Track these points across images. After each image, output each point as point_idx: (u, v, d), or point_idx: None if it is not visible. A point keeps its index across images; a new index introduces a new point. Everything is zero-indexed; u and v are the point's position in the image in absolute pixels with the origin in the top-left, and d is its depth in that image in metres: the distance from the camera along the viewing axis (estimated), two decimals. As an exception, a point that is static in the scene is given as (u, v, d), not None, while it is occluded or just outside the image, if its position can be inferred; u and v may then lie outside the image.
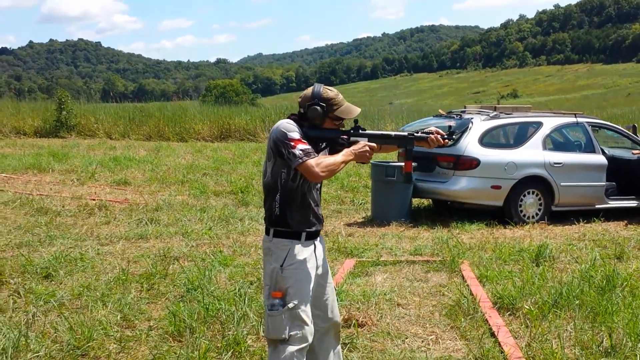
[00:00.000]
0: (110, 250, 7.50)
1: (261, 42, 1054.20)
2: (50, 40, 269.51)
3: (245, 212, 9.85)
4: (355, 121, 3.65)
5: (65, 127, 22.65)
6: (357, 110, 3.58)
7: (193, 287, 5.90)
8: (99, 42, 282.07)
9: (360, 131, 3.61)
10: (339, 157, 3.43)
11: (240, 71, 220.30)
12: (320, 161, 3.36)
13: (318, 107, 3.46)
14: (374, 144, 3.54)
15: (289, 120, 3.50)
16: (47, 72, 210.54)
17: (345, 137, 3.59)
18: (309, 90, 3.54)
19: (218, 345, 4.67)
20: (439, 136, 3.66)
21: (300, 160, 3.32)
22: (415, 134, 3.67)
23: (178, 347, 4.66)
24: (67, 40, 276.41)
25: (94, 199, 10.37)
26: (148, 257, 7.10)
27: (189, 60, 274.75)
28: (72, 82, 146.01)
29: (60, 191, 11.30)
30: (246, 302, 5.39)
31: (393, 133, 3.69)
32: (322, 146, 3.58)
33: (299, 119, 3.52)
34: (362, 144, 3.51)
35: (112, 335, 4.83)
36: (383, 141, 3.64)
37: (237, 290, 5.80)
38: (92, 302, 5.54)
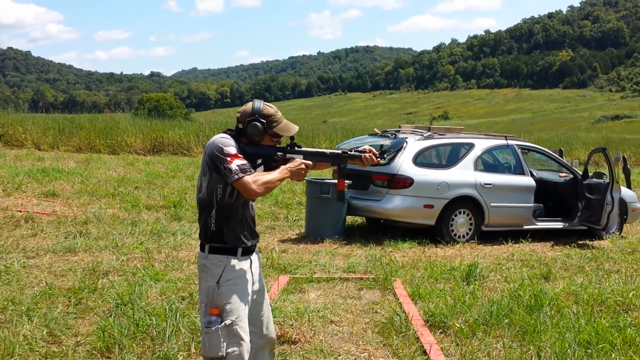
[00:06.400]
0: (36, 264, 7.27)
1: (198, 57, 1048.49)
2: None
3: (178, 227, 9.72)
4: (292, 138, 3.65)
5: (-9, 136, 22.00)
6: (296, 128, 3.58)
7: (123, 302, 5.76)
8: (29, 52, 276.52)
9: (296, 148, 3.61)
10: (275, 174, 3.41)
11: (175, 85, 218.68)
12: (257, 178, 3.33)
13: (258, 124, 3.44)
14: (309, 162, 3.55)
15: (224, 135, 3.45)
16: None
17: (281, 154, 3.58)
18: (249, 106, 3.51)
19: (148, 361, 4.57)
20: (372, 155, 3.69)
21: (236, 176, 3.28)
22: (348, 152, 3.70)
23: (106, 363, 4.55)
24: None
25: (20, 211, 10.05)
26: (76, 271, 6.92)
27: (122, 72, 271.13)
28: (0, 92, 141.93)
29: (-15, 202, 10.93)
30: (178, 317, 5.30)
31: (328, 151, 3.71)
32: (259, 162, 3.55)
33: (236, 134, 3.49)
34: (298, 161, 3.51)
35: (37, 351, 4.69)
36: (318, 159, 3.66)
37: (168, 305, 5.69)
38: (17, 316, 5.35)
